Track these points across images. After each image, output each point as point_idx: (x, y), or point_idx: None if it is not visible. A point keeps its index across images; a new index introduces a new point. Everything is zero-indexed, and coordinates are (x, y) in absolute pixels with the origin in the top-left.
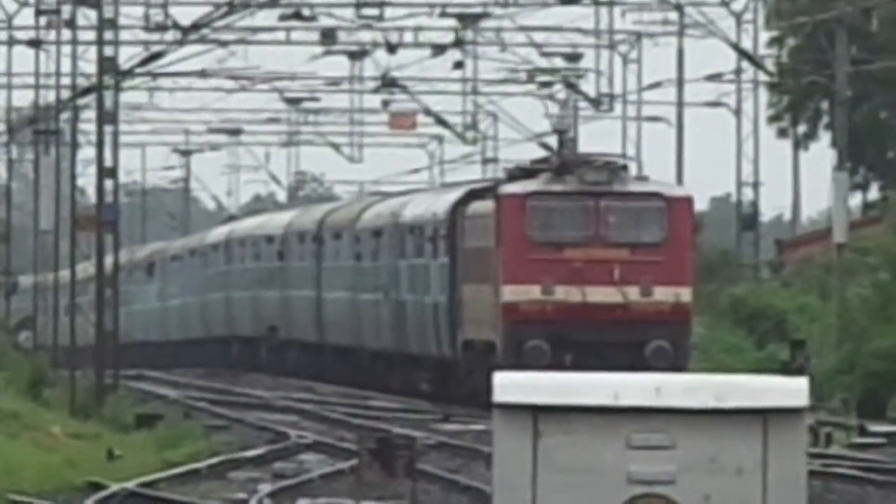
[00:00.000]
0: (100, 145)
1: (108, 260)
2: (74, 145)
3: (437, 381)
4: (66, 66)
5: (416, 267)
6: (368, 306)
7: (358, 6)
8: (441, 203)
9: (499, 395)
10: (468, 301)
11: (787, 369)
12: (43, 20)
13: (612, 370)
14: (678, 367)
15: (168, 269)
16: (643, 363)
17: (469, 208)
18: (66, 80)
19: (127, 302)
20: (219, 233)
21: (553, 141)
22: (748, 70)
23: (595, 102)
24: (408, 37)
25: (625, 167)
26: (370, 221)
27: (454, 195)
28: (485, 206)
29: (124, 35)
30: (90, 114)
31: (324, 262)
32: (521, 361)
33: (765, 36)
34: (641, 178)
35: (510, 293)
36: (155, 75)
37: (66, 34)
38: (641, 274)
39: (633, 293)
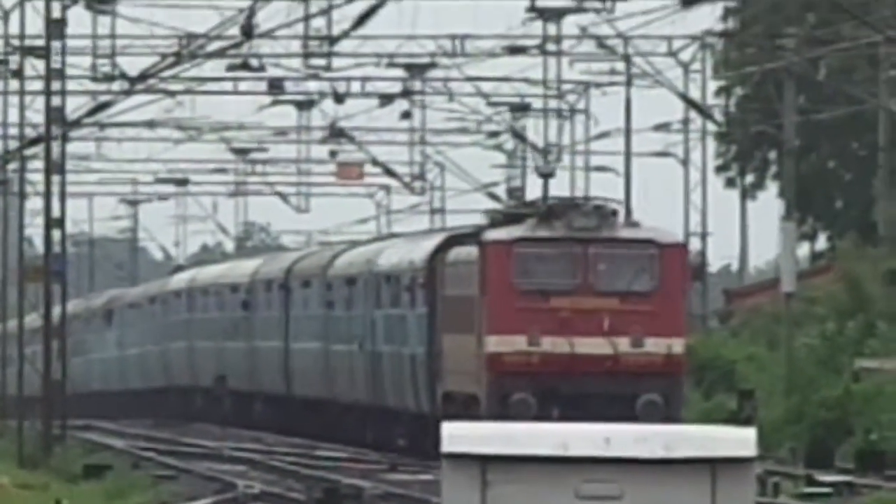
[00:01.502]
0: (47, 196)
1: (57, 310)
2: (22, 195)
3: (415, 436)
4: (13, 116)
5: (393, 317)
6: (341, 357)
7: (305, 56)
8: (419, 250)
9: (447, 446)
10: (449, 352)
11: (735, 419)
12: None
13: None
14: (671, 421)
15: (127, 317)
16: (633, 418)
17: (449, 255)
18: (13, 131)
19: (83, 351)
20: (180, 279)
21: (501, 191)
22: (696, 120)
23: (543, 152)
24: (355, 86)
25: (615, 212)
26: (342, 269)
27: (433, 242)
28: (467, 252)
29: (72, 85)
30: (38, 164)
31: (292, 311)
32: (505, 415)
33: (712, 85)
34: (632, 224)
35: (495, 343)
36: (102, 125)
37: (14, 84)
38: (632, 324)
39: (624, 344)
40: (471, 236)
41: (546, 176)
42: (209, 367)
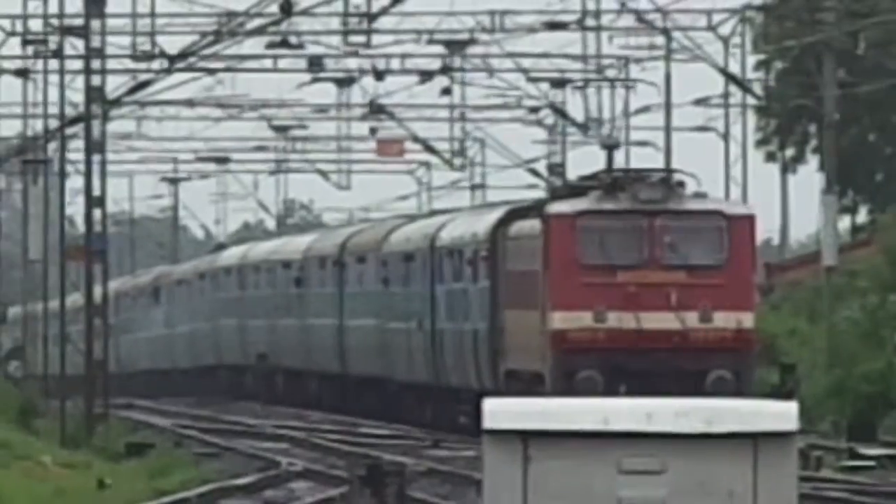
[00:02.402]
0: (88, 175)
1: (99, 289)
2: (63, 175)
3: (477, 415)
4: (53, 95)
5: (454, 292)
6: (398, 335)
7: (345, 34)
8: (480, 224)
9: (488, 422)
10: (511, 328)
11: (776, 393)
12: (30, 50)
13: None
14: (742, 397)
15: (175, 294)
16: (703, 395)
17: (511, 229)
18: (53, 110)
19: (131, 329)
20: (231, 255)
21: (541, 167)
22: (736, 94)
23: (583, 127)
24: (395, 63)
25: (682, 183)
26: (399, 244)
27: (494, 215)
28: (530, 226)
29: (111, 64)
30: (78, 143)
31: (346, 287)
32: (572, 393)
33: (752, 60)
34: (700, 195)
35: (559, 320)
36: (143, 104)
37: (54, 64)
38: (701, 298)
39: (692, 319)
40: (533, 209)
41: (610, 147)
42: (260, 345)
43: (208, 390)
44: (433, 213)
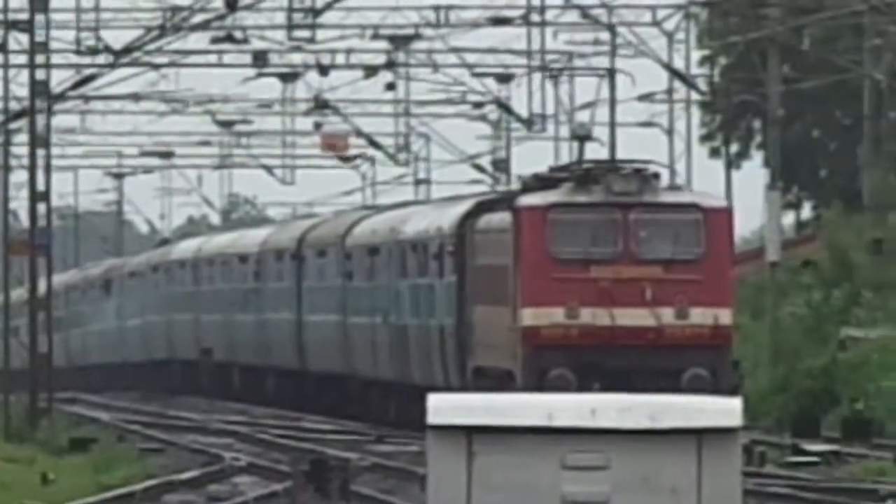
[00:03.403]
0: (32, 169)
1: (43, 284)
2: (7, 169)
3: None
4: None
5: (420, 287)
6: (362, 330)
7: (290, 28)
8: (447, 216)
9: (432, 417)
10: (480, 324)
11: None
12: None
13: None
14: (718, 396)
15: (127, 287)
16: (678, 393)
17: (480, 222)
18: None
19: (80, 322)
20: (185, 248)
21: (486, 162)
22: (680, 89)
23: (527, 123)
24: (339, 59)
25: (657, 175)
26: (363, 238)
27: (461, 208)
28: (499, 219)
29: (56, 59)
30: (22, 137)
31: (305, 282)
32: (543, 391)
33: (696, 55)
34: (675, 188)
35: (530, 316)
36: (87, 98)
37: None
38: (676, 294)
39: (668, 315)
40: (502, 202)
41: (582, 139)
42: (212, 340)
43: (160, 385)
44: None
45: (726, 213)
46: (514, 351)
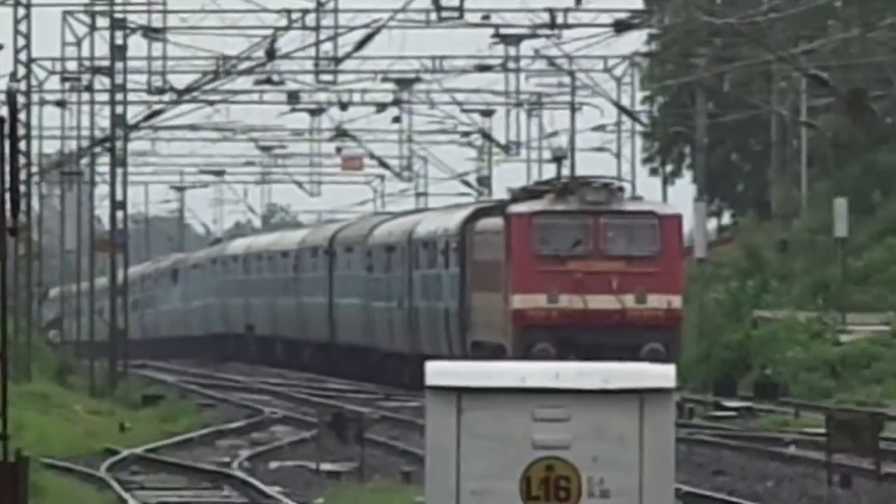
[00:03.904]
0: (112, 184)
1: (121, 274)
2: (92, 184)
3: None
4: (85, 121)
5: (429, 277)
6: (381, 312)
7: (316, 73)
8: (451, 220)
9: (430, 380)
10: (478, 307)
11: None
12: (67, 85)
13: None
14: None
15: (190, 276)
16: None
17: (478, 225)
18: (85, 133)
19: (152, 304)
20: (237, 245)
21: (472, 178)
22: (626, 122)
23: (505, 148)
24: (356, 97)
25: (621, 188)
26: (382, 237)
27: (463, 213)
28: (494, 223)
29: (131, 97)
30: (104, 159)
31: (335, 272)
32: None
33: (639, 95)
34: (636, 198)
35: (519, 301)
36: (156, 128)
37: (86, 96)
38: (637, 283)
39: (630, 301)
40: (496, 209)
41: (559, 159)
42: (261, 319)
43: (216, 354)
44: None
45: (677, 220)
46: (506, 328)
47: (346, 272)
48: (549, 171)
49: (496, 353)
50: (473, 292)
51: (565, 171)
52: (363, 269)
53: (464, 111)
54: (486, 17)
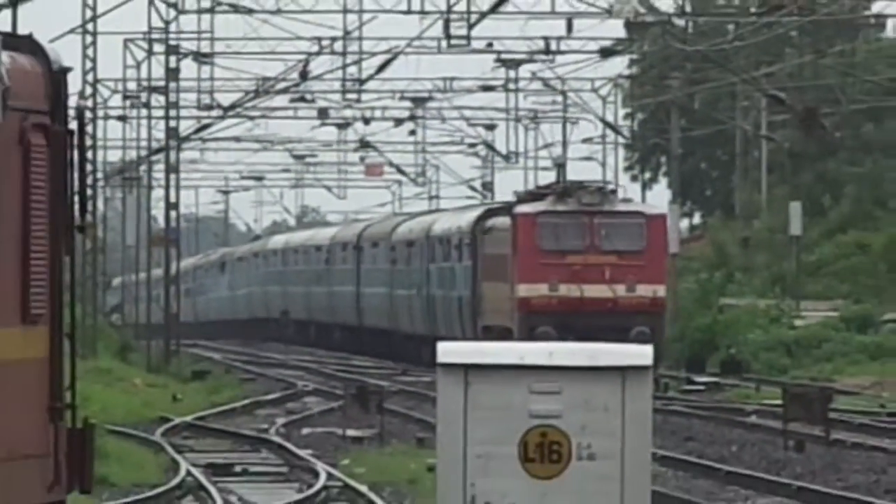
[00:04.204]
0: (167, 187)
1: (174, 266)
2: (149, 188)
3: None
4: (143, 133)
5: (444, 269)
6: (402, 299)
7: (343, 93)
8: (464, 219)
9: (441, 358)
10: (487, 296)
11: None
12: (128, 102)
13: None
14: (656, 346)
15: (236, 267)
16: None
17: (487, 223)
18: (143, 143)
19: (203, 291)
20: (277, 241)
21: (477, 184)
22: (610, 135)
23: (506, 157)
24: (377, 113)
25: (614, 191)
26: (404, 234)
27: (474, 213)
28: (502, 221)
29: (183, 112)
30: (160, 166)
31: (362, 265)
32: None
33: (622, 112)
34: (626, 200)
35: (524, 290)
36: (204, 140)
37: (144, 112)
38: (627, 275)
39: (621, 290)
40: (503, 209)
41: (559, 166)
42: (298, 305)
43: (258, 335)
44: (401, 214)
45: (662, 219)
46: (512, 314)
47: (372, 265)
48: (545, 177)
49: (504, 335)
50: (483, 282)
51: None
52: (387, 261)
53: (470, 125)
54: (490, 45)
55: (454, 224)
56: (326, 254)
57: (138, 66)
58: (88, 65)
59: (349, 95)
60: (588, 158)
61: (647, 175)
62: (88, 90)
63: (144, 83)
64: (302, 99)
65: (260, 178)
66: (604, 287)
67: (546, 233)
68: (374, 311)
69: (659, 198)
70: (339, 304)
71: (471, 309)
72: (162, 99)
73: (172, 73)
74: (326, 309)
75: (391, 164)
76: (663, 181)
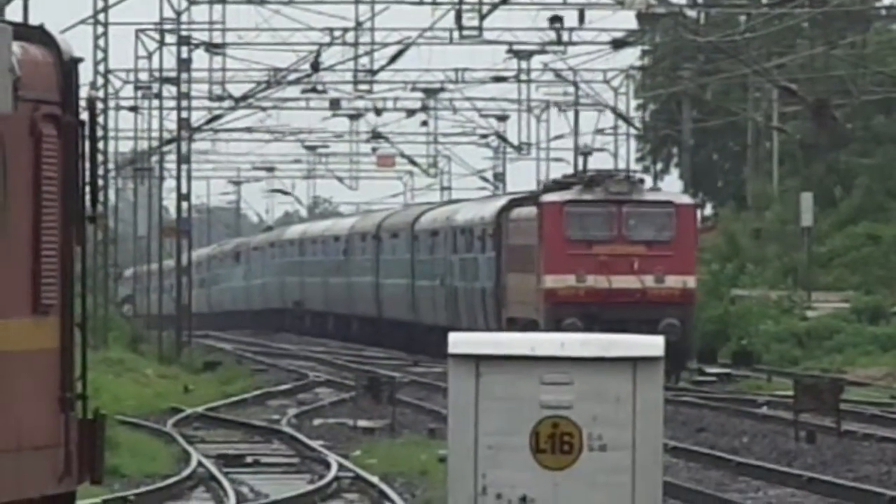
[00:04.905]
0: (178, 178)
1: (185, 256)
2: (161, 178)
3: None
4: (155, 124)
5: (467, 260)
6: (424, 290)
7: (355, 83)
8: (488, 209)
9: (452, 349)
10: (512, 287)
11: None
12: (140, 93)
13: None
14: (686, 338)
15: (251, 257)
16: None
17: (512, 213)
18: (155, 134)
19: (217, 281)
20: (294, 231)
21: (489, 174)
22: (622, 126)
23: (518, 148)
24: (389, 104)
25: (642, 180)
26: (426, 224)
27: (499, 203)
28: (528, 211)
29: (195, 103)
30: (172, 157)
31: (382, 255)
32: None
33: (634, 103)
34: (655, 189)
35: (550, 281)
36: (216, 130)
37: (155, 103)
38: (656, 265)
39: (649, 280)
40: (528, 199)
41: (586, 154)
42: (315, 295)
43: (272, 326)
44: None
45: (693, 208)
46: (538, 305)
47: (392, 255)
48: (556, 169)
49: (529, 327)
50: (508, 273)
51: (568, 169)
52: (408, 252)
53: (482, 116)
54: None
55: (478, 214)
56: (345, 244)
57: (150, 56)
58: (100, 55)
59: (361, 86)
60: (600, 150)
61: (659, 166)
62: (100, 81)
63: (156, 74)
64: (314, 90)
65: (271, 169)
66: (632, 278)
67: (573, 222)
68: (395, 302)
69: (670, 189)
70: (358, 295)
71: (494, 300)
72: (174, 89)
73: (184, 64)
74: (345, 300)
75: (403, 154)
76: (675, 172)
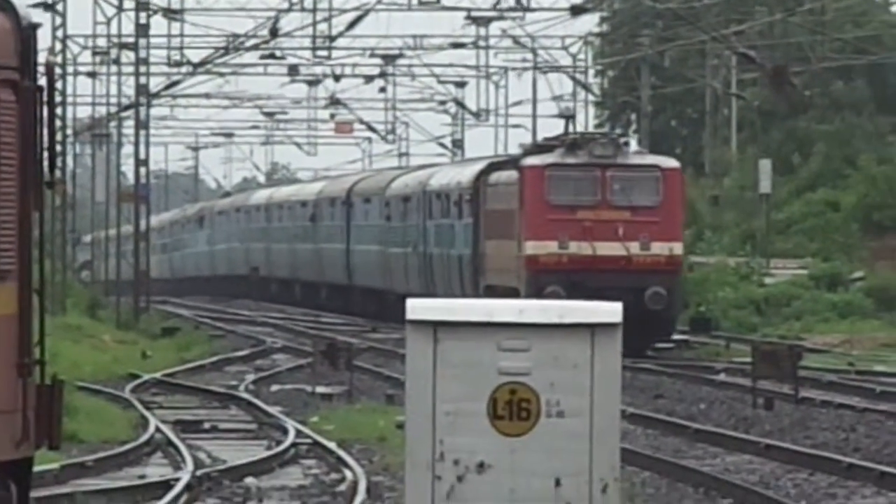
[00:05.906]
0: (136, 144)
1: (143, 222)
2: (119, 144)
3: None
4: (113, 90)
5: (442, 226)
6: (397, 257)
7: (314, 49)
8: (465, 174)
9: (410, 315)
10: (491, 254)
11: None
12: (98, 58)
13: None
14: (672, 307)
15: (216, 222)
16: (643, 306)
17: (491, 177)
18: (113, 100)
19: (180, 247)
20: (260, 196)
21: (447, 141)
22: (581, 93)
23: (476, 115)
24: (348, 70)
25: (627, 143)
26: (399, 189)
27: (477, 167)
28: (507, 175)
29: (153, 69)
30: (130, 123)
31: (353, 221)
32: None
33: (592, 70)
34: (640, 152)
35: (532, 247)
36: (174, 96)
37: (114, 68)
38: (641, 231)
39: (634, 247)
40: (509, 163)
41: (567, 117)
42: (282, 262)
43: (236, 293)
44: (369, 170)
45: (678, 172)
46: (519, 273)
47: (364, 221)
48: (514, 136)
49: (508, 295)
50: (487, 240)
51: (527, 137)
52: (381, 218)
53: (440, 83)
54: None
55: (454, 178)
56: (313, 209)
57: (108, 22)
58: (58, 20)
59: (319, 52)
60: (559, 116)
61: (618, 132)
62: (58, 46)
63: (114, 39)
64: (272, 56)
65: (230, 135)
66: (617, 244)
67: (555, 187)
68: (366, 269)
69: None
70: (328, 261)
71: (472, 268)
72: (132, 55)
73: (142, 30)
74: (313, 267)
75: (361, 121)
76: (633, 139)
